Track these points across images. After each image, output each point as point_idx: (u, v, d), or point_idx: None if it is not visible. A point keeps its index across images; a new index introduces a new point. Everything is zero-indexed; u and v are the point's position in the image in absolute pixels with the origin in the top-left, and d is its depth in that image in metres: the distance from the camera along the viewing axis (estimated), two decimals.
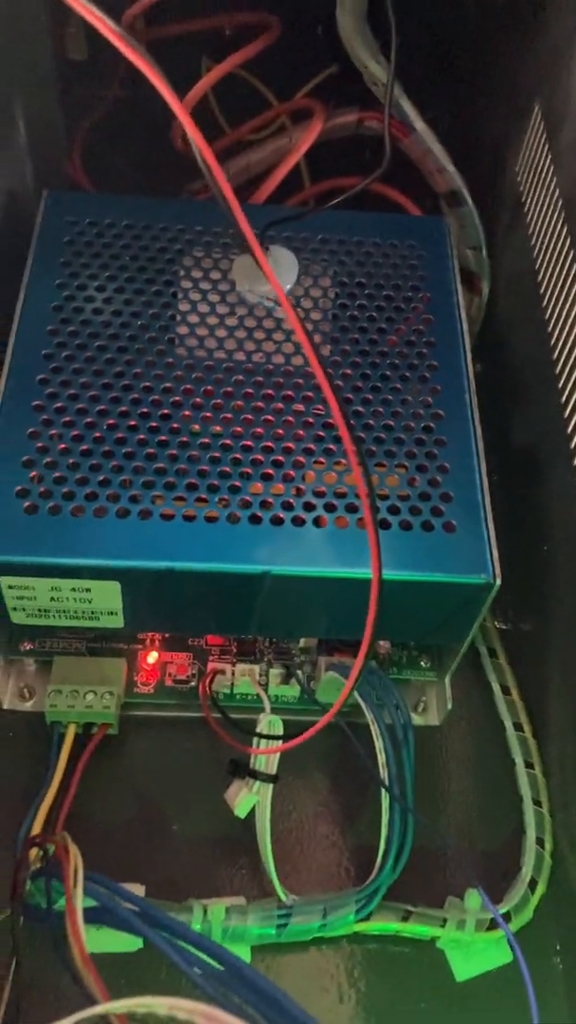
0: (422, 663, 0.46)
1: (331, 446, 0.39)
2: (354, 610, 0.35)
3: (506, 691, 0.48)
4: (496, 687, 0.48)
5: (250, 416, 0.40)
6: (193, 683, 0.45)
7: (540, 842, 0.43)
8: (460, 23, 0.56)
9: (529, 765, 0.45)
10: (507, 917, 0.41)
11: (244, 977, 0.31)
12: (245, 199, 0.49)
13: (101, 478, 0.37)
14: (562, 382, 0.43)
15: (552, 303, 0.45)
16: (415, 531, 0.37)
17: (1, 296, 0.44)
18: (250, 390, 0.41)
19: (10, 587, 0.37)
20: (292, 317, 0.30)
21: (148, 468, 0.38)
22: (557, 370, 0.44)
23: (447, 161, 0.51)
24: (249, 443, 0.39)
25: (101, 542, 0.36)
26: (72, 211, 0.46)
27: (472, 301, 0.55)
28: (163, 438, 0.39)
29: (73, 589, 0.37)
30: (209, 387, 0.40)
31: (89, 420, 0.39)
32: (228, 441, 0.39)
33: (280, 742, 0.41)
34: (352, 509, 0.38)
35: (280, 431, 0.39)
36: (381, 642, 0.45)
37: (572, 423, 0.42)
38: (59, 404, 0.39)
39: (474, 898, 0.41)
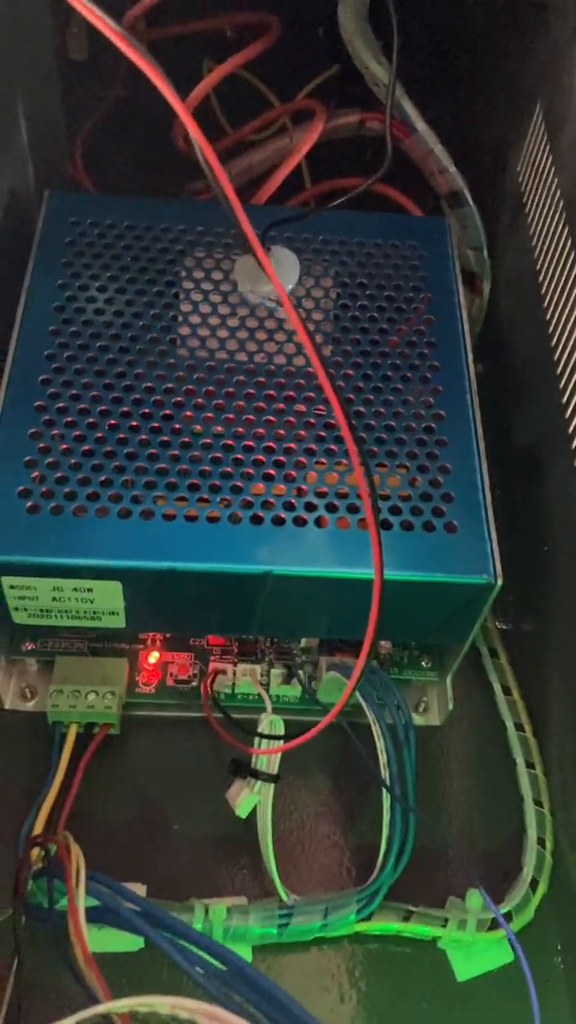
0: (423, 663, 0.46)
1: (332, 446, 0.39)
2: (355, 610, 0.35)
3: (507, 691, 0.48)
4: (497, 687, 0.48)
5: (252, 416, 0.40)
6: (194, 683, 0.46)
7: (541, 842, 0.43)
8: (461, 24, 0.56)
9: (530, 765, 0.45)
10: (508, 917, 0.41)
11: (246, 976, 0.31)
12: (246, 199, 0.49)
13: (103, 478, 0.37)
14: (563, 382, 0.43)
15: (553, 303, 0.45)
16: (416, 531, 0.38)
17: (3, 296, 0.44)
18: (252, 390, 0.41)
19: (12, 587, 0.37)
20: (294, 317, 0.30)
21: (150, 468, 0.38)
22: (558, 370, 0.44)
23: (448, 162, 0.51)
24: (251, 443, 0.39)
25: (103, 542, 0.36)
26: (74, 211, 0.46)
27: (473, 301, 0.55)
28: (165, 438, 0.39)
29: (75, 589, 0.37)
30: (211, 387, 0.40)
31: (91, 420, 0.39)
32: (230, 441, 0.39)
33: (281, 742, 0.41)
34: (353, 509, 0.38)
35: (282, 431, 0.40)
36: (382, 642, 0.45)
37: (573, 423, 0.42)
38: (61, 404, 0.39)
39: (475, 898, 0.41)
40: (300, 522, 0.37)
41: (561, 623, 0.45)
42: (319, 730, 0.37)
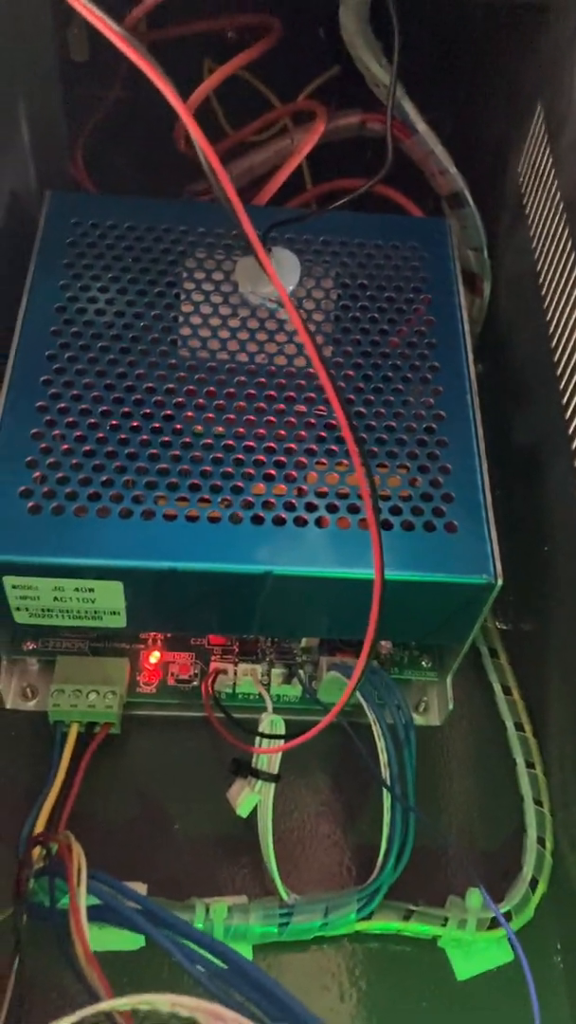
0: (423, 663, 0.46)
1: (333, 447, 0.39)
2: (356, 610, 0.35)
3: (507, 691, 0.48)
4: (497, 687, 0.48)
5: (253, 417, 0.40)
6: (195, 683, 0.46)
7: (541, 841, 0.43)
8: (462, 25, 0.56)
9: (530, 765, 0.45)
10: (508, 916, 0.41)
11: (247, 975, 0.31)
12: (247, 200, 0.50)
13: (104, 478, 0.37)
14: (563, 383, 0.43)
15: (553, 304, 0.45)
16: (417, 531, 0.38)
17: (4, 297, 0.44)
18: (253, 391, 0.41)
19: (14, 587, 0.37)
20: (295, 318, 0.30)
21: (151, 468, 0.38)
22: (558, 371, 0.44)
23: (449, 163, 0.51)
24: (252, 444, 0.39)
25: (104, 542, 0.36)
26: (75, 212, 0.46)
27: (473, 302, 0.55)
28: (166, 439, 0.39)
29: (76, 589, 0.37)
30: (212, 388, 0.41)
31: (92, 421, 0.39)
32: (231, 442, 0.39)
33: (282, 741, 0.41)
34: (354, 510, 0.38)
35: (282, 432, 0.40)
36: (383, 642, 0.45)
37: (573, 424, 0.42)
38: (62, 405, 0.39)
39: (475, 897, 0.41)
40: (301, 522, 0.37)
41: (561, 623, 0.45)
42: (320, 730, 0.37)
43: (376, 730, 0.41)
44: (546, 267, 0.46)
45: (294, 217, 0.46)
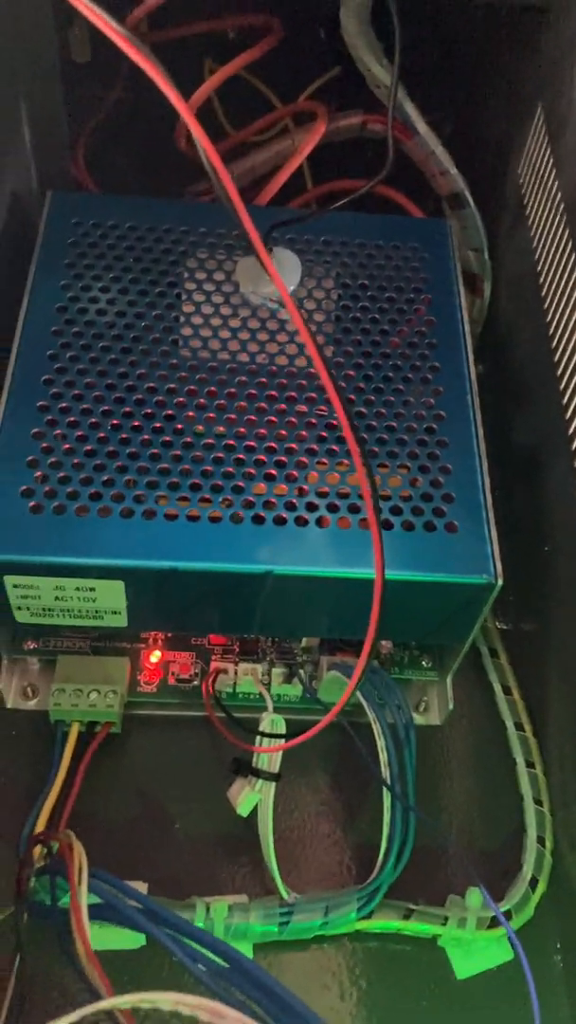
0: (424, 663, 0.46)
1: (334, 447, 0.40)
2: (356, 610, 0.35)
3: (507, 691, 0.48)
4: (497, 687, 0.48)
5: (253, 417, 0.40)
6: (196, 682, 0.46)
7: (541, 841, 0.43)
8: (463, 26, 0.56)
9: (530, 764, 0.45)
10: (508, 915, 0.41)
11: (248, 973, 0.31)
12: (248, 201, 0.50)
13: (105, 478, 0.38)
14: (563, 383, 0.43)
15: (553, 305, 0.45)
16: (417, 531, 0.38)
17: (6, 297, 0.44)
18: (253, 391, 0.41)
19: (15, 586, 0.37)
20: (296, 318, 0.30)
21: (152, 468, 0.38)
22: (558, 372, 0.44)
23: (449, 163, 0.51)
24: (252, 444, 0.39)
25: (105, 542, 0.36)
26: (76, 212, 0.46)
27: (474, 303, 0.55)
28: (167, 439, 0.39)
29: (77, 588, 0.37)
30: (213, 388, 0.41)
31: (93, 420, 0.39)
32: (231, 442, 0.39)
33: (283, 741, 0.41)
34: (354, 510, 0.38)
35: (283, 432, 0.40)
36: (383, 642, 0.45)
37: (573, 424, 0.42)
38: (63, 404, 0.39)
39: (475, 896, 0.41)
40: (301, 522, 0.37)
41: (561, 623, 0.45)
42: (320, 729, 0.37)
43: (376, 729, 0.41)
44: (546, 268, 0.46)
45: (295, 217, 0.46)
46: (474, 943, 0.41)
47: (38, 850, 0.38)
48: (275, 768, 0.41)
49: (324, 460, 0.39)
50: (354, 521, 0.38)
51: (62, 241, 0.45)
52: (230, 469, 0.38)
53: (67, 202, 0.47)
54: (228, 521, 0.37)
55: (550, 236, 0.46)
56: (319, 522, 0.38)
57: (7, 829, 0.41)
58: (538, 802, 0.44)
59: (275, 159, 0.55)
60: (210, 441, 0.39)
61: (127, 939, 0.38)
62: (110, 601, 0.38)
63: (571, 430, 0.42)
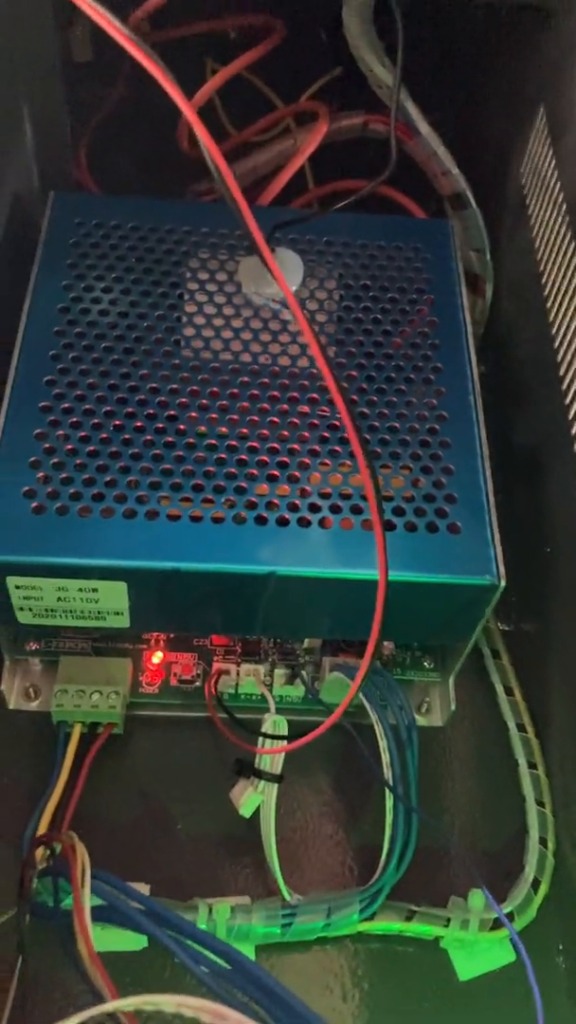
0: (426, 664, 0.46)
1: (336, 447, 0.40)
2: (358, 611, 0.35)
3: (509, 692, 0.48)
4: (499, 688, 0.48)
5: (256, 417, 0.40)
6: (198, 683, 0.46)
7: (543, 842, 0.43)
8: (465, 26, 0.56)
9: (532, 765, 0.45)
10: (510, 917, 0.41)
11: (250, 975, 0.31)
12: (250, 201, 0.50)
13: (108, 479, 0.38)
14: (565, 384, 0.43)
15: (555, 305, 0.45)
16: (420, 532, 0.38)
17: (8, 298, 0.44)
18: (256, 391, 0.41)
19: (17, 587, 0.37)
20: (300, 318, 0.30)
21: (155, 469, 0.38)
22: (560, 372, 0.44)
23: (451, 164, 0.51)
24: (255, 444, 0.39)
25: (108, 543, 0.36)
26: (78, 213, 0.46)
27: (475, 303, 0.55)
28: (169, 439, 0.39)
29: (80, 589, 0.37)
30: (215, 388, 0.41)
31: (96, 421, 0.39)
32: (234, 442, 0.39)
33: (285, 742, 0.41)
34: (357, 510, 0.38)
35: (285, 432, 0.40)
36: (385, 643, 0.45)
37: (575, 425, 0.42)
38: (66, 405, 0.39)
39: (477, 898, 0.41)
40: (304, 523, 0.37)
41: (563, 624, 0.45)
42: (323, 730, 0.37)
43: (378, 731, 0.41)
44: (548, 268, 0.46)
45: (297, 218, 0.46)
46: (476, 944, 0.41)
47: (40, 851, 0.38)
48: (277, 769, 0.41)
49: (327, 461, 0.39)
50: (357, 522, 0.38)
51: (64, 241, 0.45)
52: (233, 470, 0.38)
53: (69, 202, 0.47)
54: (231, 522, 0.37)
55: (552, 236, 0.46)
56: (322, 523, 0.38)
57: (9, 830, 0.41)
58: (540, 803, 0.44)
59: (277, 159, 0.55)
60: (213, 442, 0.39)
61: (129, 940, 0.38)
62: (112, 602, 0.38)
63: (573, 431, 0.42)
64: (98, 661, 0.44)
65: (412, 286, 0.45)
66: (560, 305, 0.44)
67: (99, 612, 0.38)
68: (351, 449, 0.37)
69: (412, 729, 0.42)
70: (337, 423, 0.40)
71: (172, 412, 0.40)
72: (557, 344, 0.44)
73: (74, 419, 0.39)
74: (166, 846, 0.43)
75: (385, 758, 0.41)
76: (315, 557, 0.37)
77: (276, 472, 0.38)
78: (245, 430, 0.39)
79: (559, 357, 0.44)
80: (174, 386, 0.41)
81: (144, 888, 0.40)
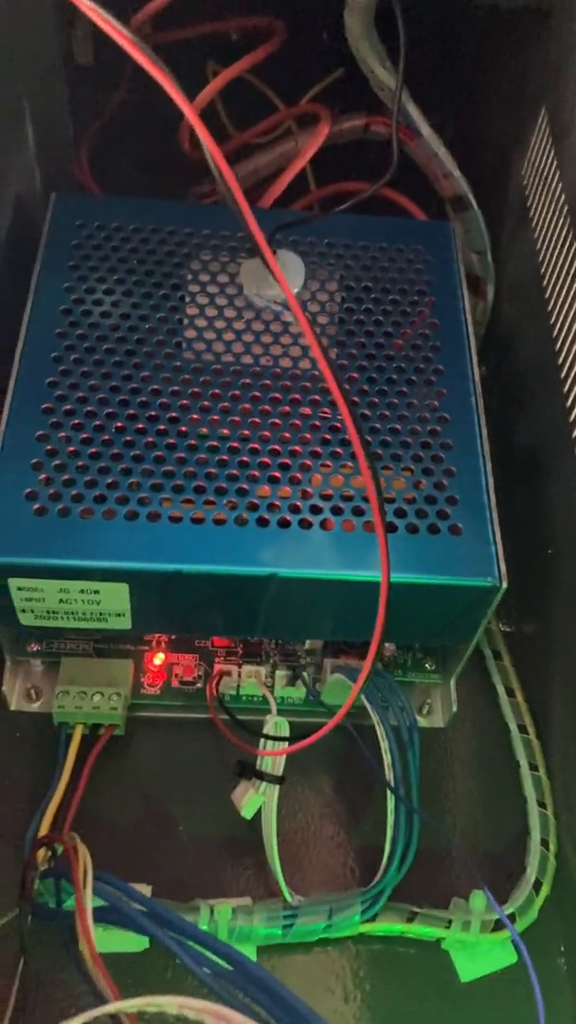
0: (427, 665, 0.46)
1: (337, 449, 0.40)
2: (360, 613, 0.35)
3: (510, 693, 0.48)
4: (500, 689, 0.48)
5: (257, 419, 0.40)
6: (199, 684, 0.46)
7: (544, 843, 0.43)
8: (466, 28, 0.56)
9: (533, 767, 0.45)
10: (512, 918, 0.41)
11: (252, 976, 0.31)
12: (251, 203, 0.50)
13: (110, 480, 0.38)
14: (566, 386, 0.43)
15: (556, 307, 0.45)
16: (421, 534, 0.38)
17: (10, 300, 0.44)
18: (257, 393, 0.41)
19: (19, 589, 0.37)
20: (302, 320, 0.30)
21: (156, 471, 0.38)
22: (561, 374, 0.44)
23: (453, 166, 0.51)
24: (256, 446, 0.39)
25: (110, 544, 0.36)
26: (80, 214, 0.46)
27: (477, 305, 0.55)
28: (171, 441, 0.39)
29: (82, 591, 0.37)
30: (216, 390, 0.41)
31: (98, 423, 0.39)
32: (235, 444, 0.39)
33: (286, 743, 0.41)
34: (358, 512, 0.38)
35: (287, 434, 0.40)
36: (386, 644, 0.45)
37: None
38: (68, 407, 0.39)
39: (479, 899, 0.41)
40: (305, 524, 0.37)
41: (564, 625, 0.45)
42: (325, 732, 0.37)
43: (380, 732, 0.41)
44: (550, 270, 0.46)
45: (299, 220, 0.46)
46: (478, 946, 0.41)
47: (42, 852, 0.38)
48: (279, 771, 0.41)
49: (328, 463, 0.39)
50: (358, 524, 0.38)
51: (66, 243, 0.45)
52: (234, 471, 0.38)
53: (71, 204, 0.47)
54: (232, 523, 0.37)
55: (553, 238, 0.46)
56: (323, 524, 0.38)
57: (11, 831, 0.41)
58: (542, 805, 0.44)
59: (278, 161, 0.55)
60: (214, 443, 0.39)
61: (131, 942, 0.38)
62: (114, 603, 0.38)
63: (574, 433, 0.42)
64: (100, 662, 0.44)
65: (413, 288, 0.46)
66: (561, 307, 0.44)
67: (101, 614, 0.38)
68: (353, 451, 0.37)
69: (413, 730, 0.42)
70: (339, 425, 0.40)
71: (174, 414, 0.40)
72: (558, 346, 0.44)
73: (76, 421, 0.39)
74: (168, 847, 0.43)
75: (386, 759, 0.41)
76: (317, 559, 0.37)
77: (278, 474, 0.38)
78: (247, 432, 0.39)
79: (560, 359, 0.44)
80: (176, 388, 0.41)
81: (146, 889, 0.40)
